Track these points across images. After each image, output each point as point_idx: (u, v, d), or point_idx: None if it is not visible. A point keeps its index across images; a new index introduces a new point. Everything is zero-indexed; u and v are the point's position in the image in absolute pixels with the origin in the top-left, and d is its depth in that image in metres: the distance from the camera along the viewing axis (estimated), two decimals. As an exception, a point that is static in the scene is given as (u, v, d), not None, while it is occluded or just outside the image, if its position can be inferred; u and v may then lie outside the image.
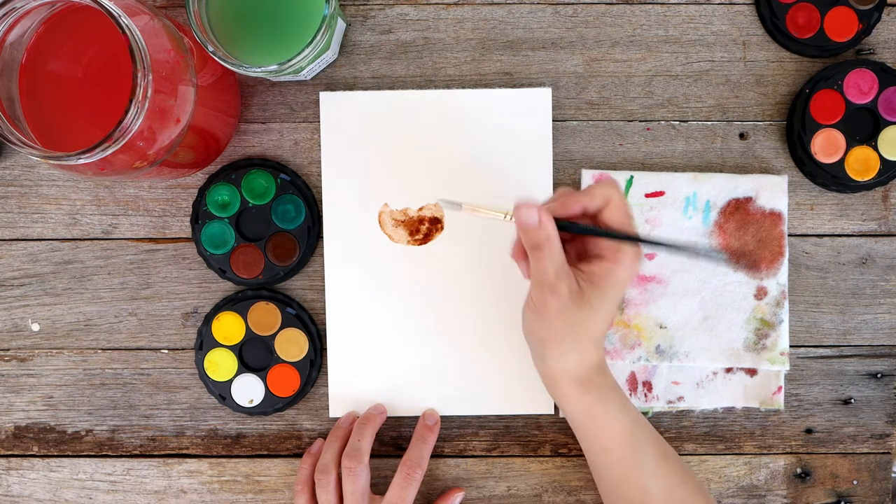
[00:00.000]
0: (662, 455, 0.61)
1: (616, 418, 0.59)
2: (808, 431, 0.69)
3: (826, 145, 0.66)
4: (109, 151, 0.51)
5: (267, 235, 0.67)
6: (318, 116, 0.68)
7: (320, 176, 0.68)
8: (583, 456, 0.68)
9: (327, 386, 0.68)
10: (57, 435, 0.69)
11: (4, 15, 0.52)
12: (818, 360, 0.69)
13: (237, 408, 0.68)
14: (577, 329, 0.56)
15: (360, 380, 0.68)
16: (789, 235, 0.68)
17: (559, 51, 0.68)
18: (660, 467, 0.60)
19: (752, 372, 0.68)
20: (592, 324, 0.56)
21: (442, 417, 0.68)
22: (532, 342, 0.59)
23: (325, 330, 0.68)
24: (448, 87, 0.68)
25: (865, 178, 0.66)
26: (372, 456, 0.68)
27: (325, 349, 0.68)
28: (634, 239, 0.55)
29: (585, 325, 0.56)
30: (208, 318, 0.68)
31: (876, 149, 0.66)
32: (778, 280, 0.67)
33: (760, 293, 0.67)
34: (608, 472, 0.61)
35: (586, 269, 0.56)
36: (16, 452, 0.69)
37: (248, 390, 0.68)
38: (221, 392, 0.68)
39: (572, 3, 0.68)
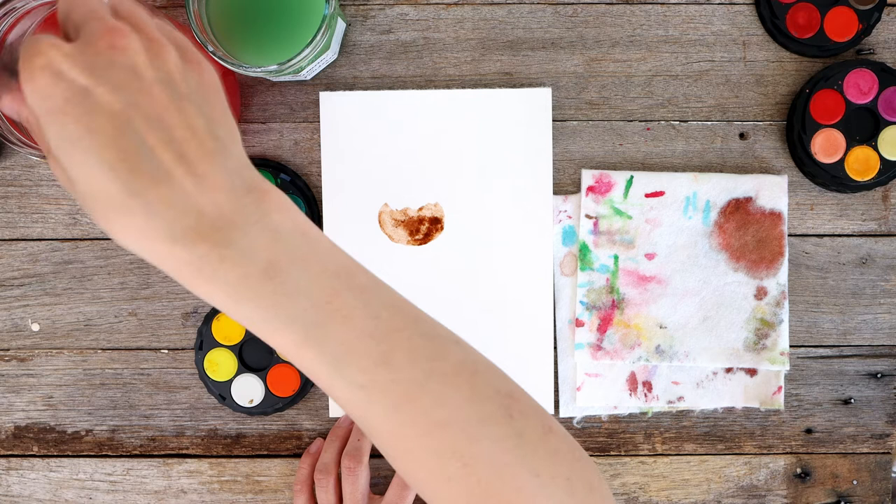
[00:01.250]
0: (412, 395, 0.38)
1: (272, 327, 0.37)
2: (808, 431, 0.69)
3: (826, 145, 0.66)
4: (109, 151, 0.51)
5: (267, 235, 0.67)
6: (318, 116, 0.68)
7: (320, 176, 0.68)
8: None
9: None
10: (57, 435, 0.69)
11: (4, 15, 0.52)
12: (818, 360, 0.69)
13: (237, 408, 0.68)
14: (85, 205, 0.37)
15: (360, 380, 0.68)
16: (789, 235, 0.68)
17: (559, 51, 0.68)
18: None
19: (752, 372, 0.68)
20: (88, 192, 0.37)
21: (442, 417, 0.68)
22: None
23: (325, 330, 0.68)
24: (448, 87, 0.68)
25: (865, 178, 0.66)
26: (372, 456, 0.68)
27: (325, 349, 0.68)
28: None
29: (85, 199, 0.37)
30: (208, 318, 0.68)
31: (876, 149, 0.66)
32: (778, 280, 0.67)
33: (760, 293, 0.67)
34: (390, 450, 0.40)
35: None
36: (16, 452, 0.69)
37: (248, 390, 0.68)
38: (221, 392, 0.68)
39: (572, 3, 0.68)
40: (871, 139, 0.66)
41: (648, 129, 0.68)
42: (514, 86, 0.68)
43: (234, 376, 0.68)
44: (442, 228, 0.68)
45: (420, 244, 0.68)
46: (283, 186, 0.67)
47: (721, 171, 0.68)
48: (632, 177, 0.67)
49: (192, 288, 0.37)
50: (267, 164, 0.67)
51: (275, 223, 0.37)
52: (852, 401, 0.69)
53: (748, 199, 0.67)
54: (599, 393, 0.68)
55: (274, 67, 0.57)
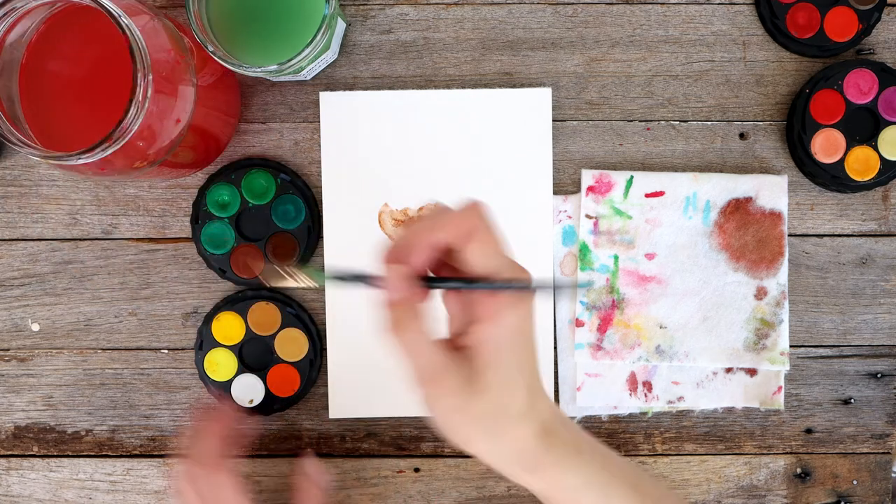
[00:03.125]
0: None
1: (581, 492, 0.49)
2: (808, 431, 0.69)
3: (826, 145, 0.66)
4: (109, 151, 0.51)
5: (267, 235, 0.67)
6: (318, 116, 0.68)
7: (320, 176, 0.68)
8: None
9: (327, 386, 0.68)
10: (57, 435, 0.69)
11: (4, 15, 0.52)
12: (818, 360, 0.69)
13: (237, 408, 0.68)
14: (488, 420, 0.45)
15: (359, 380, 0.68)
16: (789, 235, 0.68)
17: (559, 51, 0.68)
18: None
19: (752, 372, 0.68)
20: (504, 401, 0.45)
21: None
22: (453, 439, 0.47)
23: (325, 330, 0.68)
24: (448, 87, 0.68)
25: (865, 178, 0.66)
26: (372, 456, 0.68)
27: (325, 349, 0.68)
28: (503, 286, 0.44)
29: (496, 409, 0.45)
30: (208, 318, 0.68)
31: (876, 149, 0.66)
32: (778, 280, 0.67)
33: (760, 293, 0.67)
34: None
35: (467, 344, 0.45)
36: (16, 452, 0.69)
37: (249, 390, 0.68)
38: (222, 392, 0.68)
39: (572, 3, 0.68)
40: (871, 139, 0.66)
41: (648, 129, 0.68)
42: (514, 86, 0.68)
43: (235, 376, 0.68)
44: (442, 228, 0.68)
45: (420, 244, 0.68)
46: (282, 186, 0.67)
47: (721, 171, 0.68)
48: (632, 177, 0.67)
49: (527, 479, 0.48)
50: (267, 165, 0.67)
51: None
52: (852, 401, 0.69)
53: (748, 199, 0.67)
54: (599, 393, 0.68)
55: (274, 67, 0.57)
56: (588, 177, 0.68)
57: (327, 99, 0.67)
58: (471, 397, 0.44)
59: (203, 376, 0.68)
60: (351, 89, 0.68)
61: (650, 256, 0.68)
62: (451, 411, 0.45)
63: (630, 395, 0.68)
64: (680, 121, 0.68)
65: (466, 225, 0.44)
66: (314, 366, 0.68)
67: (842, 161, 0.66)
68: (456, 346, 0.45)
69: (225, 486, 0.60)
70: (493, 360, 0.45)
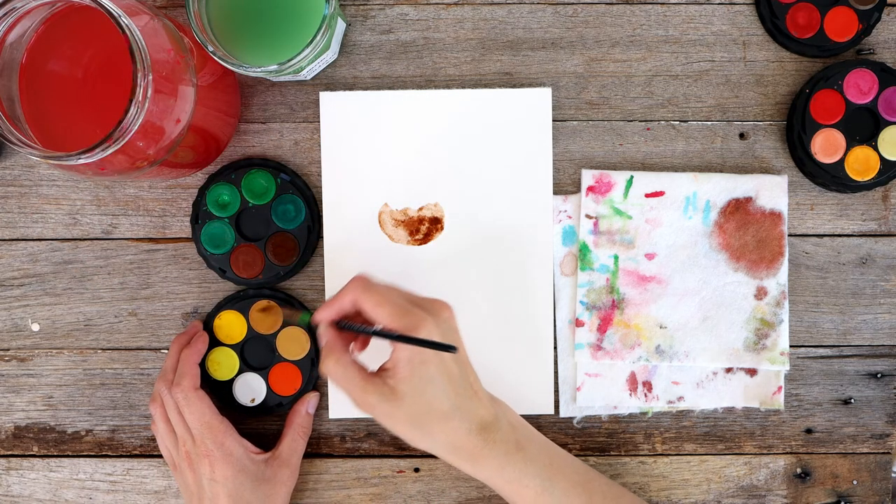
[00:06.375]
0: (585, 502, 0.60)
1: (521, 483, 0.58)
2: (808, 431, 0.69)
3: (826, 145, 0.66)
4: (109, 151, 0.51)
5: (267, 235, 0.67)
6: (318, 116, 0.68)
7: (320, 176, 0.68)
8: (583, 455, 0.69)
9: (328, 385, 0.68)
10: (57, 435, 0.69)
11: (4, 15, 0.52)
12: (818, 360, 0.69)
13: (238, 407, 0.68)
14: (415, 420, 0.55)
15: (360, 380, 0.68)
16: (789, 235, 0.68)
17: (559, 51, 0.68)
18: None
19: (752, 372, 0.68)
20: (425, 405, 0.55)
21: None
22: (401, 437, 0.57)
23: (325, 330, 0.68)
24: (448, 87, 0.68)
25: (865, 178, 0.66)
26: (372, 456, 0.68)
27: (325, 349, 0.68)
28: (386, 336, 0.55)
29: (420, 414, 0.55)
30: (209, 318, 0.68)
31: (876, 149, 0.66)
32: (778, 280, 0.67)
33: (760, 293, 0.67)
34: None
35: (386, 366, 0.56)
36: (16, 452, 0.69)
37: (250, 389, 0.68)
38: (222, 391, 0.68)
39: (572, 3, 0.68)
40: (871, 139, 0.66)
41: (648, 129, 0.68)
42: (514, 86, 0.68)
43: (236, 375, 0.68)
44: (442, 228, 0.68)
45: (420, 244, 0.68)
46: (282, 186, 0.67)
47: (721, 171, 0.68)
48: (632, 177, 0.67)
49: (472, 465, 0.58)
50: (267, 165, 0.67)
51: (511, 423, 0.59)
52: (852, 401, 0.69)
53: (748, 199, 0.67)
54: (599, 393, 0.68)
55: (274, 67, 0.57)
56: (588, 177, 0.68)
57: (327, 99, 0.67)
58: (394, 405, 0.55)
59: (204, 376, 0.68)
60: (351, 89, 0.68)
61: (650, 256, 0.68)
62: (385, 417, 0.56)
63: (630, 395, 0.68)
64: (680, 121, 0.68)
65: (350, 297, 0.56)
66: (316, 364, 0.68)
67: (842, 161, 0.66)
68: (384, 369, 0.56)
69: (198, 401, 0.64)
70: (404, 375, 0.55)
